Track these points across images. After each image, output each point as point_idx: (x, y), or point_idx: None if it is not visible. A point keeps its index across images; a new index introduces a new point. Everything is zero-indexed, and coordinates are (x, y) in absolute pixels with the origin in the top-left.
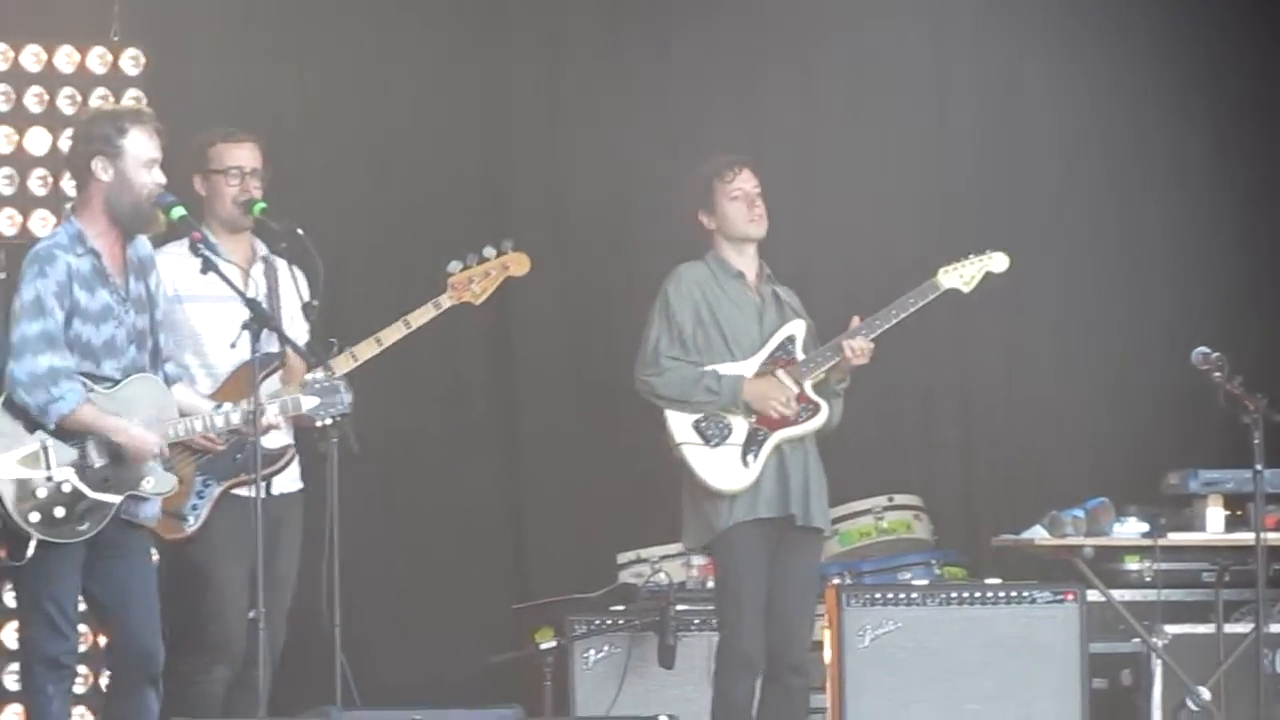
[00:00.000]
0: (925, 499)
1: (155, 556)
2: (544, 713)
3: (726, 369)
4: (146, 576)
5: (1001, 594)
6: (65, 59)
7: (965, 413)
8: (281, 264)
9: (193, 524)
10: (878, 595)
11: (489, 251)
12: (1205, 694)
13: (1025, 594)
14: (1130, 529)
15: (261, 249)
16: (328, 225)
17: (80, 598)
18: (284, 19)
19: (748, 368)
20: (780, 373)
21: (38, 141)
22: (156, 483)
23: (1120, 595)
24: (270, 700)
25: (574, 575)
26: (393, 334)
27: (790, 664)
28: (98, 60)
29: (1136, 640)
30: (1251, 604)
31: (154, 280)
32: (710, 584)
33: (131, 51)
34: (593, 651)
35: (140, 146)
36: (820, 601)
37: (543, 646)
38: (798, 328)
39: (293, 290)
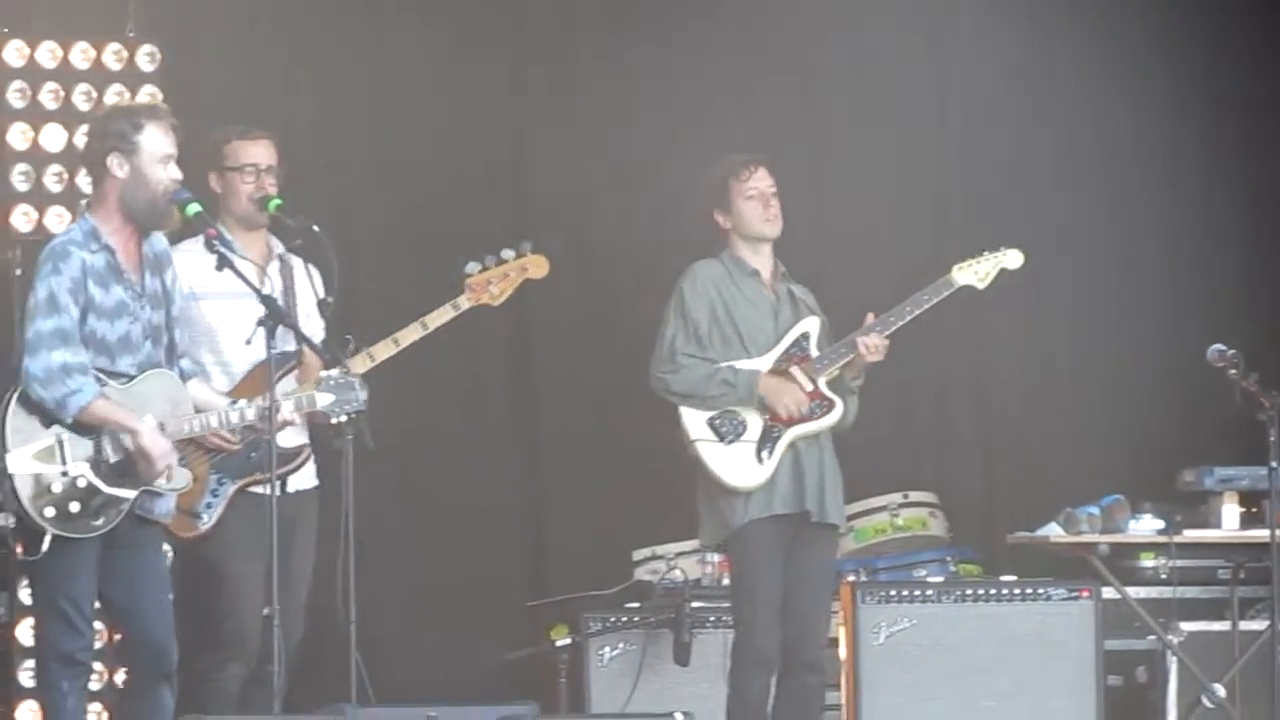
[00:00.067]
0: (940, 496)
1: (170, 554)
2: (559, 710)
3: (742, 365)
4: (160, 573)
5: (1016, 591)
6: (81, 55)
7: (980, 410)
8: (297, 262)
9: (207, 522)
10: (893, 592)
11: (508, 253)
12: (1220, 691)
13: (1040, 591)
14: (1145, 526)
15: (278, 247)
16: (341, 223)
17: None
18: (299, 16)
19: (763, 364)
20: (795, 370)
21: (53, 138)
22: (172, 479)
23: (1135, 592)
24: (285, 697)
25: (589, 572)
26: (410, 334)
27: (805, 661)
28: (113, 57)
29: (1152, 637)
30: (1267, 601)
31: (169, 276)
32: (725, 581)
33: (147, 48)
34: (608, 648)
35: (156, 142)
36: (835, 598)
37: (558, 643)
38: (812, 324)
39: (308, 288)
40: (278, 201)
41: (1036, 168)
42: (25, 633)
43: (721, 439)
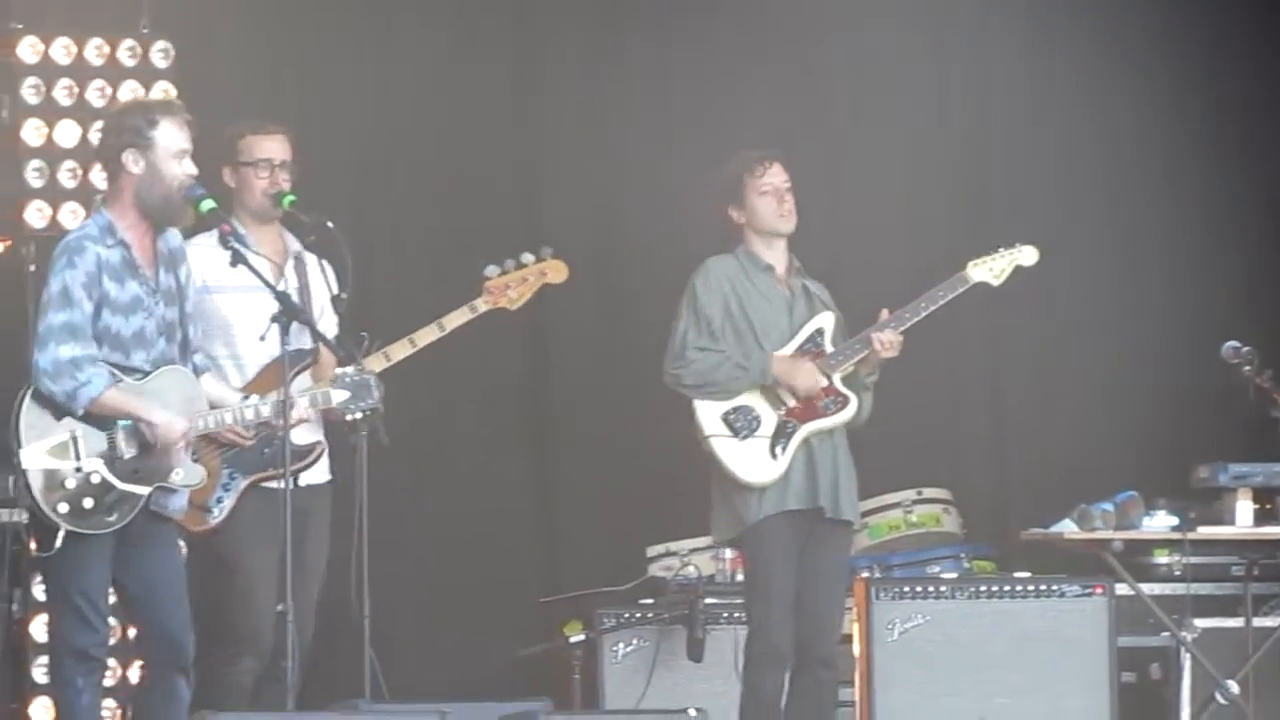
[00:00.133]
0: (954, 492)
1: (183, 549)
2: (573, 706)
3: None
4: (176, 567)
5: (1030, 588)
6: (95, 52)
7: (994, 406)
8: (311, 258)
9: (217, 516)
10: (907, 589)
11: (527, 258)
12: (1234, 687)
13: (1054, 588)
14: (1159, 523)
15: (294, 244)
16: (356, 222)
17: (110, 589)
18: (312, 13)
19: None
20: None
21: (67, 134)
22: (185, 474)
23: (1149, 589)
24: (299, 694)
25: (603, 568)
26: (427, 335)
27: (819, 657)
28: (127, 53)
29: (1165, 634)
30: None
31: (184, 272)
32: (739, 577)
33: (161, 44)
34: (621, 645)
35: (171, 138)
36: (849, 594)
37: (572, 640)
38: (827, 320)
39: (323, 284)
40: (291, 198)
41: (1037, 168)
42: (39, 629)
43: (736, 434)
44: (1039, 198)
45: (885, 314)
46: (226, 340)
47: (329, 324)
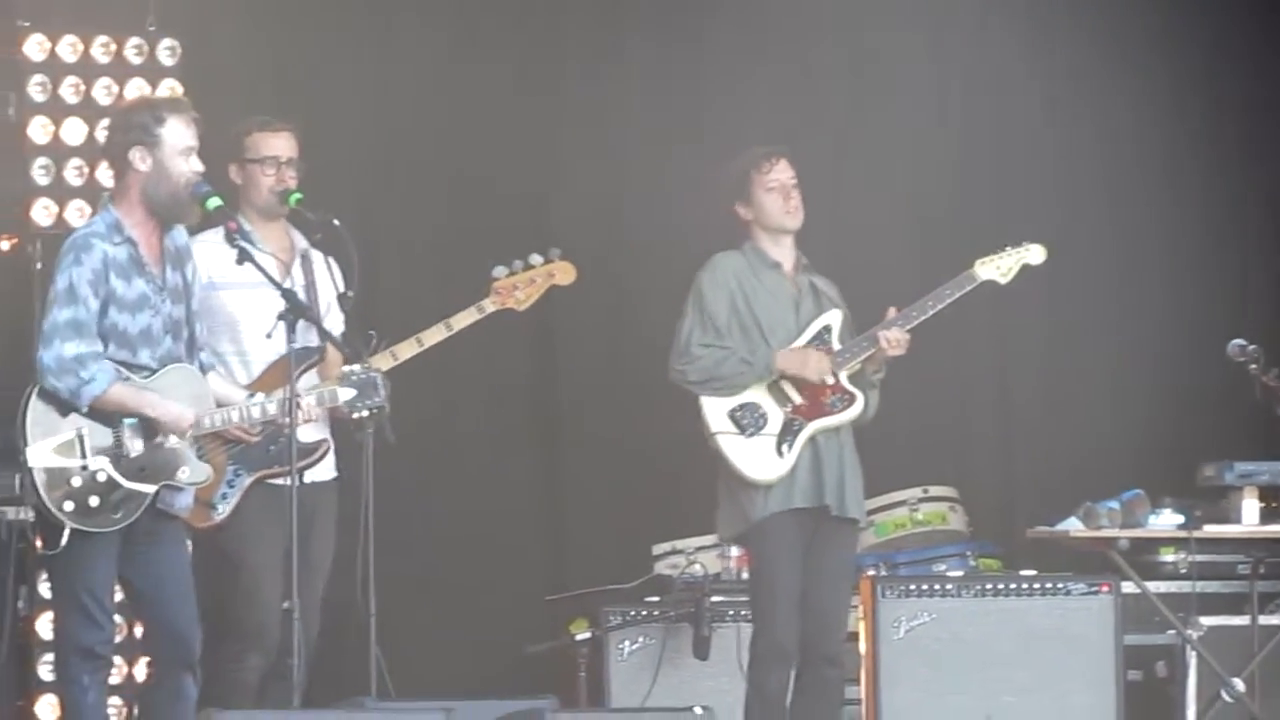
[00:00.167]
0: (960, 490)
1: (189, 545)
2: (579, 704)
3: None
4: (182, 564)
5: (1036, 586)
6: (102, 50)
7: (1001, 404)
8: (318, 256)
9: (222, 512)
10: (913, 586)
11: (535, 259)
12: (1240, 685)
13: (1060, 586)
14: (1165, 521)
15: (300, 242)
16: (362, 219)
17: (117, 586)
18: (318, 11)
19: None
20: None
21: (74, 132)
22: (192, 472)
23: (1155, 587)
24: (305, 691)
25: (609, 566)
26: (434, 335)
27: (825, 655)
28: (134, 51)
29: (1171, 632)
30: None
31: (190, 270)
32: (745, 575)
33: (167, 42)
34: (627, 643)
35: (178, 135)
36: (855, 592)
37: (578, 638)
38: (834, 317)
39: (329, 282)
40: (298, 195)
41: (1037, 168)
42: (45, 626)
43: (742, 431)
44: (1039, 198)
45: (892, 312)
46: (233, 337)
47: (335, 322)
